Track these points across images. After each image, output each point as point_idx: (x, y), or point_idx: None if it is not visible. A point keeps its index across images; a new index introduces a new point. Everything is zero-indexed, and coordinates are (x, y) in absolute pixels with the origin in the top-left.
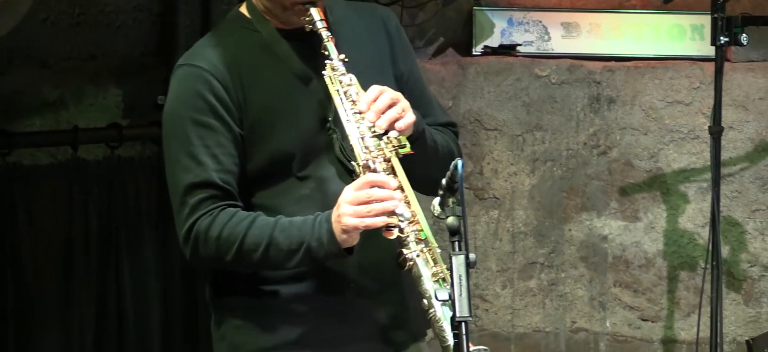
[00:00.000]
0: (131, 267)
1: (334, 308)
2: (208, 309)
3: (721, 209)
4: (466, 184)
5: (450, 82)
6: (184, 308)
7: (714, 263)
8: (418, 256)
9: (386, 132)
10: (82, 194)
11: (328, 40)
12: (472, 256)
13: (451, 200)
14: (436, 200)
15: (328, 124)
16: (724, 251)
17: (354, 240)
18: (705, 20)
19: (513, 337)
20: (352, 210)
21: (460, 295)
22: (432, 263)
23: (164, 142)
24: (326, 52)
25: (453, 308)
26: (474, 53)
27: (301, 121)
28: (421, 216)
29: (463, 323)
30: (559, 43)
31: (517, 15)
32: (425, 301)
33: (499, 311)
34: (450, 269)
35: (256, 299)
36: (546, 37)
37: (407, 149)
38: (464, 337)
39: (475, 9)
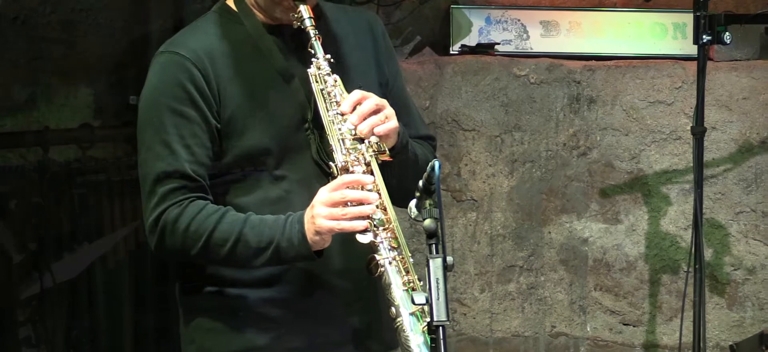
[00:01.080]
0: (102, 268)
1: (308, 314)
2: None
3: (703, 211)
4: (444, 185)
5: (427, 81)
6: (157, 308)
7: (697, 267)
8: (390, 263)
9: (367, 137)
10: (52, 194)
11: (315, 39)
12: (449, 259)
13: (428, 202)
14: (413, 202)
15: (306, 124)
16: (707, 254)
17: (326, 243)
18: (687, 18)
19: (492, 341)
20: (326, 212)
21: (438, 298)
22: (403, 272)
23: (139, 128)
24: (313, 51)
25: (430, 311)
26: (451, 52)
27: (279, 118)
28: (395, 223)
29: (440, 328)
30: (538, 42)
31: (496, 13)
32: (393, 309)
33: (478, 316)
34: (427, 272)
35: (226, 300)
36: (525, 35)
37: (387, 155)
38: (442, 341)
39: (453, 7)
